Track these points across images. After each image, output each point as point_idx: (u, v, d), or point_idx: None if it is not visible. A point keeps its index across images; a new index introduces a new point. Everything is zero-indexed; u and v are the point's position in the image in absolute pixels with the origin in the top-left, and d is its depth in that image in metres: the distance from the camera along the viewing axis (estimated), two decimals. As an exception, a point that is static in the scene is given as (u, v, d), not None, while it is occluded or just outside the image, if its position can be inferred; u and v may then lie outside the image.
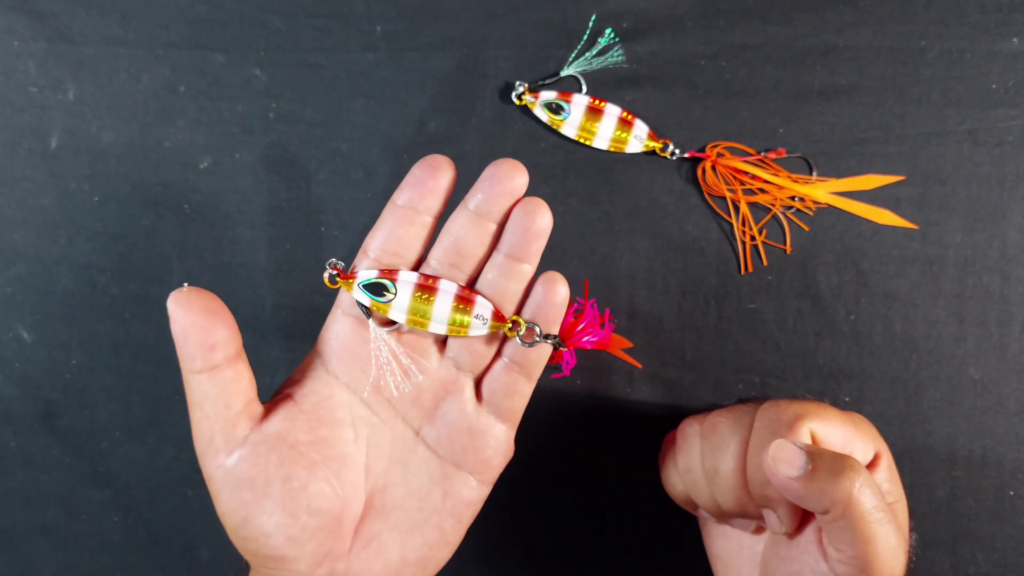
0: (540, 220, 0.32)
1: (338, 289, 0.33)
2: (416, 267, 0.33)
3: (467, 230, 0.32)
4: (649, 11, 0.45)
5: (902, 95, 0.44)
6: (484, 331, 0.33)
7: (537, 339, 0.33)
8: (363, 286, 0.32)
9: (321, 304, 0.45)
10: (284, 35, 0.45)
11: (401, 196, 0.32)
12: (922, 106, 0.44)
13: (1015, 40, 0.43)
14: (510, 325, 0.33)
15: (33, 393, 0.46)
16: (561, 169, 0.45)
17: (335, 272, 0.33)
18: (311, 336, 0.45)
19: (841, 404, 0.44)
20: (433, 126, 0.45)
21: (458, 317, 0.33)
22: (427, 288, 0.33)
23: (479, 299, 0.33)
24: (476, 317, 0.33)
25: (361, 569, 0.32)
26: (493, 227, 0.33)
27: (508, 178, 0.32)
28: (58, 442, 0.46)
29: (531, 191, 0.45)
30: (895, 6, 0.44)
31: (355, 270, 0.33)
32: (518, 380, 0.34)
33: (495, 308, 0.33)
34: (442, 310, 0.33)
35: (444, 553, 0.34)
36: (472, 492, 0.34)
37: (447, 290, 0.33)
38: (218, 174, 0.46)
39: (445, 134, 0.45)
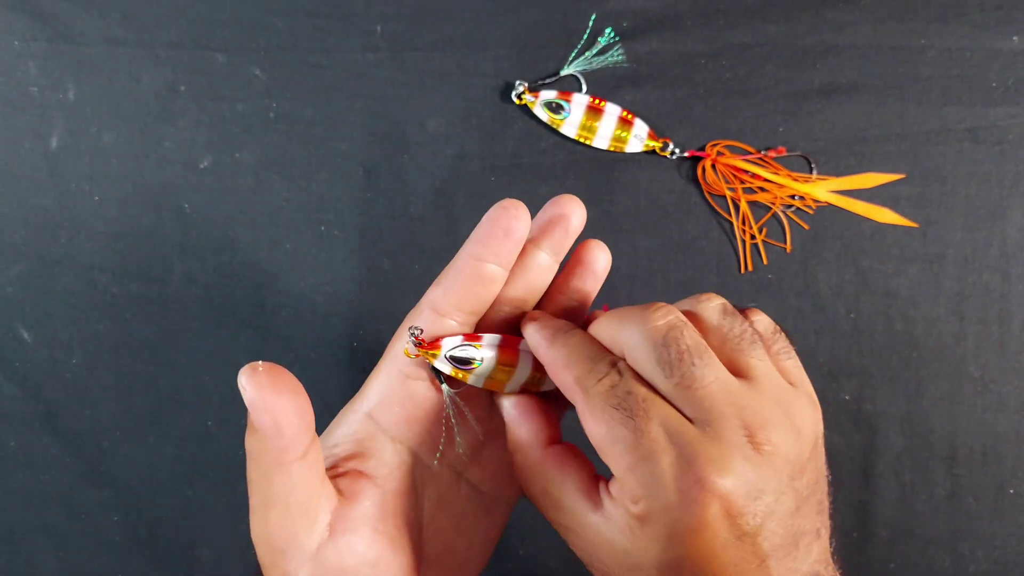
0: (601, 261, 0.31)
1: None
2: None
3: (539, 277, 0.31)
4: (649, 10, 0.45)
5: (902, 94, 0.44)
6: (552, 387, 0.31)
7: None
8: (450, 358, 0.30)
9: (321, 304, 0.45)
10: (284, 35, 0.45)
11: (476, 249, 0.29)
12: (922, 104, 0.44)
13: (1015, 38, 0.43)
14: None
15: (33, 393, 0.46)
16: (561, 169, 0.45)
17: (418, 341, 0.30)
18: (311, 336, 0.45)
19: (841, 402, 0.44)
20: (433, 125, 0.45)
21: (536, 376, 0.31)
22: (510, 352, 0.31)
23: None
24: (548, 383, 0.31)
25: None
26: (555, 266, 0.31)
27: (571, 216, 0.30)
28: (58, 442, 0.46)
29: (531, 191, 0.45)
30: (895, 5, 0.44)
31: (440, 339, 0.30)
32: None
33: None
34: (522, 375, 0.31)
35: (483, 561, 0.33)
36: (509, 508, 0.33)
37: (527, 351, 0.31)
38: (218, 174, 0.46)
39: (445, 133, 0.45)
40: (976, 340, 0.43)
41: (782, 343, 0.31)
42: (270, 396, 0.25)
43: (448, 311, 0.29)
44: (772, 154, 0.44)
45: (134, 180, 0.46)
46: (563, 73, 0.45)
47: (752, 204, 0.44)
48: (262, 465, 0.27)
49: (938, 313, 0.44)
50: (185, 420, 0.45)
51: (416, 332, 0.29)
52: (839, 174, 0.44)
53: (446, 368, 0.30)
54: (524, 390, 0.31)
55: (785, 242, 0.44)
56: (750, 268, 0.44)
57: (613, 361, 0.28)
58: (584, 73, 0.45)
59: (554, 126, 0.44)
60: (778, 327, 0.31)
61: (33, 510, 0.46)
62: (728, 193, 0.44)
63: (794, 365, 0.31)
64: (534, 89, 0.44)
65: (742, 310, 0.30)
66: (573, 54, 0.45)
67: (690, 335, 0.27)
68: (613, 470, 0.27)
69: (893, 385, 0.44)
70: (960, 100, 0.44)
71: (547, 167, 0.45)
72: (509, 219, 0.28)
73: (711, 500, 0.25)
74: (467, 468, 0.32)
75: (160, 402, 0.46)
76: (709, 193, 0.44)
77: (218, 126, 0.46)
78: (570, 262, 0.32)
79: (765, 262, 0.44)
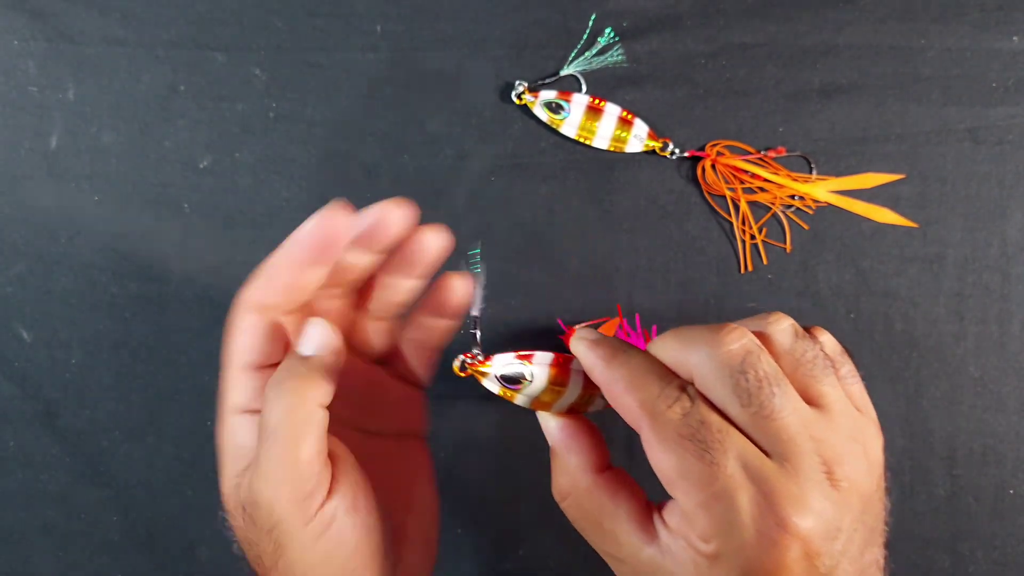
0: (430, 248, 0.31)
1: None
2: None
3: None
4: (649, 10, 0.45)
5: (902, 94, 0.44)
6: (600, 408, 0.31)
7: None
8: (500, 376, 0.30)
9: (321, 303, 0.45)
10: (284, 35, 0.45)
11: (298, 253, 0.30)
12: (922, 105, 0.44)
13: (1015, 38, 0.43)
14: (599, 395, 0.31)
15: (33, 392, 0.46)
16: (561, 169, 0.45)
17: (468, 359, 0.30)
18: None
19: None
20: (433, 125, 0.45)
21: (586, 396, 0.30)
22: (561, 372, 0.30)
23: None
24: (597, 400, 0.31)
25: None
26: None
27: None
28: (58, 441, 0.46)
29: (531, 191, 0.45)
30: (895, 5, 0.44)
31: (490, 356, 0.30)
32: None
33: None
34: (571, 395, 0.30)
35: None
36: (422, 441, 0.35)
37: (578, 370, 0.30)
38: (218, 173, 0.46)
39: (445, 133, 0.45)
40: (976, 340, 0.43)
41: (848, 366, 0.29)
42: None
43: (268, 311, 0.30)
44: (772, 154, 0.44)
45: (134, 180, 0.45)
46: (563, 73, 0.45)
47: (752, 204, 0.44)
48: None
49: (938, 313, 0.44)
50: (185, 420, 0.45)
51: (469, 356, 0.30)
52: (839, 174, 0.44)
53: (495, 387, 0.30)
54: (571, 410, 0.30)
55: (785, 242, 0.44)
56: (750, 268, 0.44)
57: (682, 385, 0.26)
58: (584, 73, 0.45)
59: (554, 126, 0.44)
60: (844, 349, 0.30)
61: (32, 510, 0.46)
62: (728, 193, 0.44)
63: (860, 390, 0.29)
64: (534, 89, 0.44)
65: (807, 329, 0.29)
66: (573, 54, 0.45)
67: (767, 362, 0.26)
68: (682, 504, 0.25)
69: (893, 385, 0.44)
70: (960, 100, 0.44)
71: (547, 167, 0.45)
72: (332, 226, 0.28)
73: (791, 542, 0.24)
74: (365, 420, 0.33)
75: (160, 402, 0.46)
76: (709, 193, 0.44)
77: (218, 126, 0.46)
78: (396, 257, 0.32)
79: (765, 262, 0.44)
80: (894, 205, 0.44)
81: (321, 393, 0.28)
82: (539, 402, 0.30)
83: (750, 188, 0.44)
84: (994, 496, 0.43)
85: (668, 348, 0.28)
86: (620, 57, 0.44)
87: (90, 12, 0.45)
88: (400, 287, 0.33)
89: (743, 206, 0.44)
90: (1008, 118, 0.43)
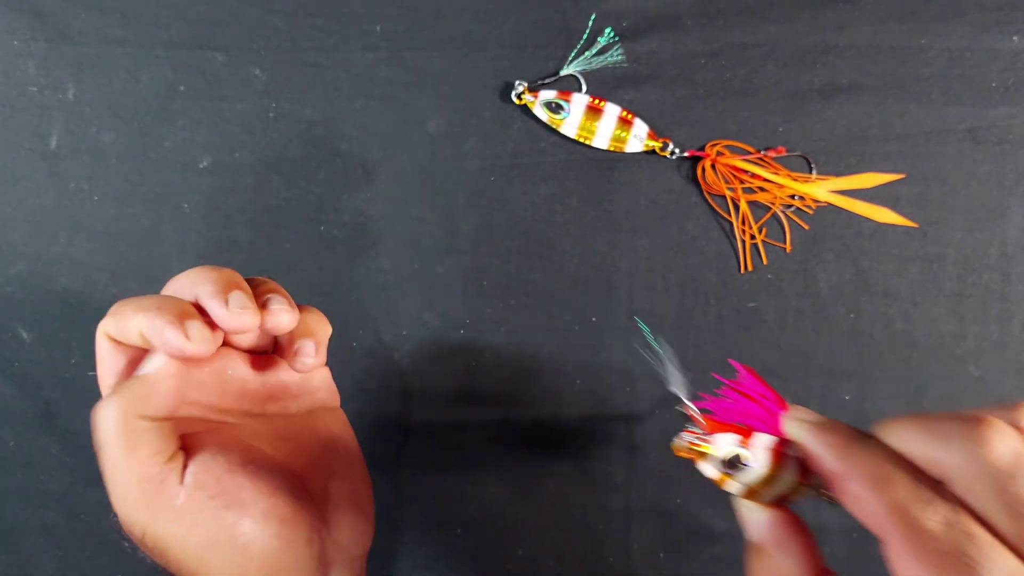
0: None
1: None
2: None
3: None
4: (649, 10, 0.45)
5: (902, 93, 0.44)
6: (805, 498, 0.27)
7: None
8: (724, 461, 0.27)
9: (321, 305, 0.45)
10: (284, 35, 0.45)
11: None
12: (922, 104, 0.44)
13: (1015, 38, 0.43)
14: None
15: (32, 392, 0.46)
16: (561, 169, 0.45)
17: (693, 440, 0.26)
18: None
19: (841, 403, 0.44)
20: (433, 125, 0.45)
21: (798, 486, 0.27)
22: (778, 457, 0.26)
23: None
24: None
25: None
26: None
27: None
28: (57, 441, 0.46)
29: (531, 191, 0.45)
30: (895, 5, 0.44)
31: (714, 433, 0.27)
32: None
33: None
34: (784, 483, 0.27)
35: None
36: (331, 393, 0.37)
37: (793, 456, 0.26)
38: (218, 173, 0.46)
39: (445, 133, 0.45)
40: (976, 340, 0.43)
41: None
42: None
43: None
44: (772, 154, 0.44)
45: (133, 180, 0.45)
46: (563, 73, 0.45)
47: (752, 204, 0.44)
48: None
49: (938, 313, 0.44)
50: (184, 420, 0.45)
51: (694, 435, 0.26)
52: (839, 174, 0.44)
53: (714, 472, 0.26)
54: (778, 500, 0.27)
55: (785, 242, 0.44)
56: (750, 268, 0.44)
57: (938, 488, 0.23)
58: (584, 73, 0.45)
59: (554, 126, 0.44)
60: None
61: (32, 509, 0.46)
62: (728, 193, 0.44)
63: None
64: (534, 89, 0.44)
65: None
66: (573, 54, 0.45)
67: None
68: None
69: (893, 385, 0.44)
70: (960, 100, 0.44)
71: (547, 167, 0.45)
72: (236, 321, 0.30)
73: None
74: (269, 405, 0.35)
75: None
76: (709, 193, 0.44)
77: (218, 126, 0.46)
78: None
79: (765, 262, 0.44)
80: (894, 205, 0.44)
81: (147, 406, 0.30)
82: (750, 491, 0.26)
83: (750, 188, 0.44)
84: (994, 496, 0.43)
85: (913, 440, 0.24)
86: (620, 57, 0.44)
87: (90, 12, 0.45)
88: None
89: (743, 206, 0.44)
90: (1008, 118, 0.43)
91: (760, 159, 0.44)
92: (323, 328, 0.36)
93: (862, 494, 0.23)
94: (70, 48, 0.46)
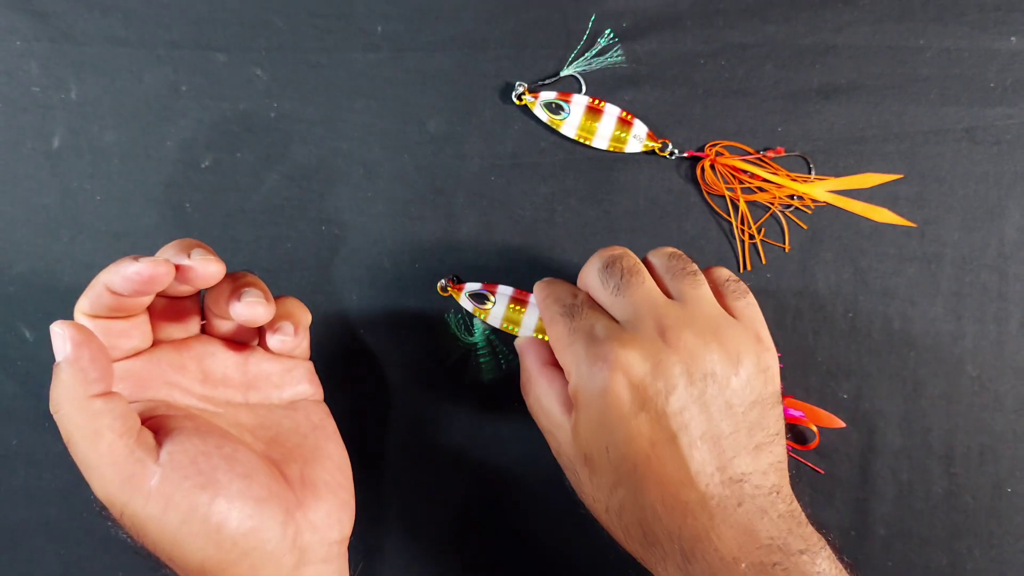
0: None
1: None
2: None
3: None
4: (648, 10, 0.45)
5: (900, 94, 0.44)
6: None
7: None
8: (470, 295, 0.44)
9: (322, 304, 0.46)
10: (285, 35, 0.46)
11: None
12: (920, 105, 0.44)
13: (1013, 39, 0.44)
14: None
15: (35, 391, 0.46)
16: (561, 169, 0.45)
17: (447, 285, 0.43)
18: (310, 335, 0.46)
19: (839, 401, 0.44)
20: (433, 125, 0.45)
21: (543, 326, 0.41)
22: (519, 297, 0.43)
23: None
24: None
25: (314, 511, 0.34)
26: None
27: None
28: (60, 440, 0.46)
29: (531, 191, 0.45)
30: (893, 5, 0.44)
31: (463, 285, 0.44)
32: None
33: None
34: (531, 320, 0.43)
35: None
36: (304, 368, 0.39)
37: (534, 304, 0.42)
38: (219, 173, 0.46)
39: (445, 133, 0.45)
40: (974, 339, 0.44)
41: (734, 286, 0.37)
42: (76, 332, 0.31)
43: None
44: (771, 154, 0.44)
45: (135, 179, 0.46)
46: (563, 74, 0.45)
47: (751, 204, 0.45)
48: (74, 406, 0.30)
49: (936, 312, 0.44)
50: (186, 418, 0.46)
51: (449, 281, 0.44)
52: (837, 174, 0.44)
53: (468, 305, 0.43)
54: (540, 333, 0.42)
55: (784, 242, 0.44)
56: (749, 268, 0.45)
57: (576, 293, 0.37)
58: (584, 73, 0.45)
59: (554, 126, 0.45)
60: (735, 278, 0.37)
61: (34, 508, 0.46)
62: (727, 193, 0.44)
63: (745, 304, 0.36)
64: (534, 90, 0.45)
65: (671, 252, 0.37)
66: (573, 54, 0.45)
67: (629, 260, 0.36)
68: (559, 360, 0.35)
69: (891, 384, 0.44)
70: (958, 100, 0.44)
71: (547, 167, 0.45)
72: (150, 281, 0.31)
73: (614, 368, 0.32)
74: (250, 394, 0.37)
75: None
76: (708, 193, 0.45)
77: (219, 125, 0.46)
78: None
79: (764, 262, 0.45)
80: (892, 205, 0.44)
81: (91, 385, 0.31)
82: (509, 322, 0.43)
83: (749, 188, 0.44)
84: (992, 495, 0.43)
85: (582, 273, 0.38)
86: (620, 58, 0.45)
87: (92, 13, 0.46)
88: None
89: (742, 206, 0.44)
90: (1006, 118, 0.44)
91: (759, 159, 0.44)
92: (302, 313, 0.38)
93: (541, 309, 0.37)
94: (73, 48, 0.46)
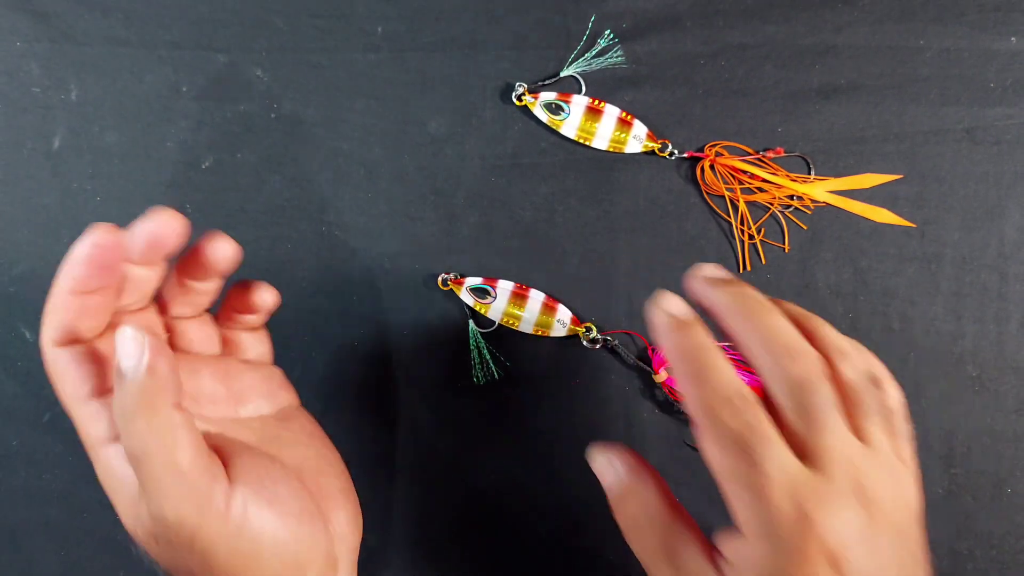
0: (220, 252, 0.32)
1: None
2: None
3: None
4: (648, 11, 0.45)
5: (900, 94, 0.44)
6: (563, 332, 0.44)
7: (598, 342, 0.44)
8: (471, 289, 0.44)
9: (322, 304, 0.46)
10: (286, 35, 0.46)
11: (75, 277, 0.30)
12: (920, 105, 0.44)
13: (1013, 39, 0.44)
14: (584, 330, 0.44)
15: (35, 391, 0.46)
16: (561, 169, 0.45)
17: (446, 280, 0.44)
18: (311, 336, 0.46)
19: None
20: (434, 126, 0.45)
21: (546, 321, 0.44)
22: (519, 292, 0.44)
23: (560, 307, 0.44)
24: (558, 321, 0.44)
25: None
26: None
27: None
28: (60, 440, 0.46)
29: (531, 191, 0.45)
30: (893, 5, 0.44)
31: (463, 279, 0.44)
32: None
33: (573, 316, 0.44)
34: (532, 312, 0.44)
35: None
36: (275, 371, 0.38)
37: (536, 298, 0.44)
38: (220, 174, 0.46)
39: (446, 134, 0.45)
40: (974, 339, 0.44)
41: (904, 425, 0.31)
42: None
43: (74, 342, 0.30)
44: (770, 154, 0.44)
45: (136, 180, 0.46)
46: (563, 74, 0.45)
47: (750, 204, 0.45)
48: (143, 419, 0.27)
49: (936, 312, 0.44)
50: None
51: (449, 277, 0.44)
52: (837, 174, 0.44)
53: (469, 299, 0.43)
54: (541, 333, 0.44)
55: (783, 242, 0.45)
56: (748, 268, 0.45)
57: (750, 402, 0.28)
58: (583, 74, 0.45)
59: (554, 127, 0.45)
60: (905, 405, 0.31)
61: (35, 508, 0.46)
62: (727, 193, 0.44)
63: (909, 448, 0.31)
64: (534, 90, 0.45)
65: (873, 375, 0.30)
66: (573, 55, 0.45)
67: (829, 391, 0.28)
68: (728, 500, 0.27)
69: (891, 384, 0.44)
70: (958, 100, 0.44)
71: (547, 167, 0.45)
72: (99, 251, 0.29)
73: (814, 539, 0.25)
74: (236, 410, 0.34)
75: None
76: (708, 193, 0.45)
77: (220, 126, 0.46)
78: (190, 255, 0.33)
79: (764, 262, 0.45)
80: (892, 205, 0.44)
81: (168, 395, 0.27)
82: (509, 317, 0.43)
83: (749, 188, 0.44)
84: (992, 494, 0.43)
85: (740, 330, 0.29)
86: (620, 58, 0.45)
87: (93, 13, 0.46)
88: (199, 289, 0.34)
89: (742, 206, 0.44)
90: (1005, 118, 0.44)
91: (759, 159, 0.44)
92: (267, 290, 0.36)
93: (682, 388, 0.29)
94: (73, 49, 0.46)
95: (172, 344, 0.34)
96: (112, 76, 0.46)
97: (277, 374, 0.37)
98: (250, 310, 0.36)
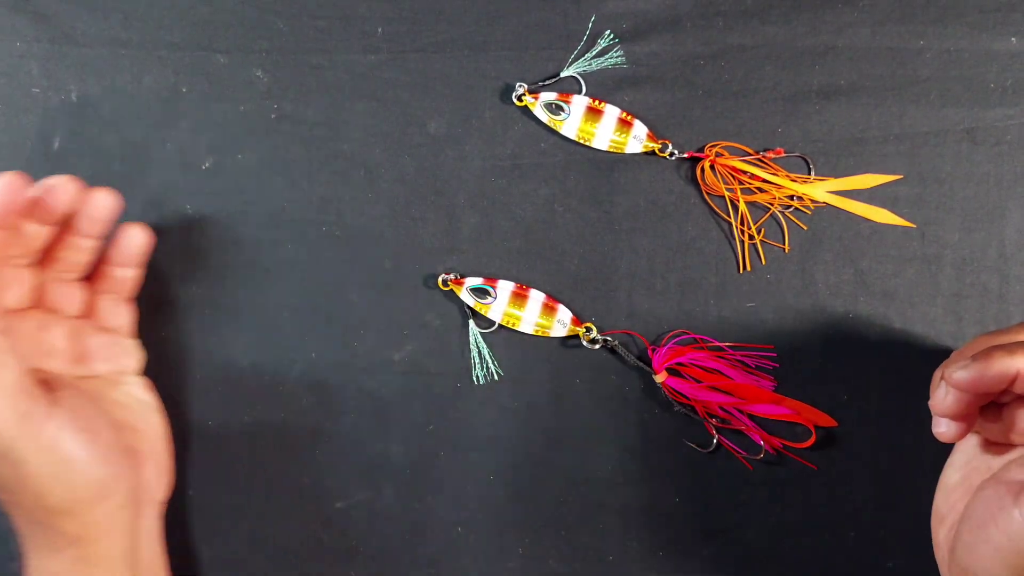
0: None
1: None
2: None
3: None
4: (648, 12, 0.45)
5: (900, 95, 0.44)
6: (563, 332, 0.44)
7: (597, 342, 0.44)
8: (471, 289, 0.44)
9: (322, 304, 0.46)
10: (286, 36, 0.46)
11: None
12: (920, 106, 0.44)
13: (1013, 39, 0.44)
14: (584, 330, 0.44)
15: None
16: (561, 169, 0.45)
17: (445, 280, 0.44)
18: (312, 336, 0.46)
19: (839, 402, 0.44)
20: (434, 127, 0.46)
21: (544, 323, 0.44)
22: (519, 291, 0.44)
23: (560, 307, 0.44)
24: (558, 321, 0.44)
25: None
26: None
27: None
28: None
29: (531, 191, 0.45)
30: (893, 6, 0.44)
31: (463, 279, 0.44)
32: None
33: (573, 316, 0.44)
34: (531, 313, 0.44)
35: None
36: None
37: (535, 298, 0.44)
38: (220, 175, 0.46)
39: (446, 135, 0.45)
40: (974, 340, 0.44)
41: None
42: None
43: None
44: (771, 155, 0.44)
45: (136, 181, 0.46)
46: (563, 75, 0.45)
47: (751, 205, 0.45)
48: None
49: (936, 314, 0.44)
50: (185, 419, 0.46)
51: (448, 277, 0.44)
52: (837, 175, 0.44)
53: (469, 300, 0.44)
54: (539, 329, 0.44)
55: (783, 242, 0.45)
56: (748, 268, 0.45)
57: None
58: (584, 75, 0.45)
59: (554, 127, 0.45)
60: None
61: None
62: (727, 194, 0.44)
63: None
64: (534, 91, 0.45)
65: None
66: (573, 56, 0.45)
67: None
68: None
69: (891, 384, 0.44)
70: (958, 101, 0.44)
71: (547, 168, 0.45)
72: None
73: None
74: (78, 367, 0.40)
75: (159, 400, 0.46)
76: (708, 194, 0.45)
77: (220, 127, 0.46)
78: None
79: (764, 262, 0.45)
80: (892, 206, 0.44)
81: None
82: (509, 315, 0.43)
83: (749, 189, 0.44)
84: (992, 495, 0.43)
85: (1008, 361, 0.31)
86: (620, 59, 0.45)
87: (93, 14, 0.46)
88: (81, 246, 0.40)
89: (742, 207, 0.44)
90: (1006, 119, 0.44)
91: (759, 160, 0.44)
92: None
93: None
94: (73, 50, 0.46)
95: (38, 301, 0.40)
96: (112, 77, 0.46)
97: (128, 344, 0.43)
98: (119, 257, 0.42)
